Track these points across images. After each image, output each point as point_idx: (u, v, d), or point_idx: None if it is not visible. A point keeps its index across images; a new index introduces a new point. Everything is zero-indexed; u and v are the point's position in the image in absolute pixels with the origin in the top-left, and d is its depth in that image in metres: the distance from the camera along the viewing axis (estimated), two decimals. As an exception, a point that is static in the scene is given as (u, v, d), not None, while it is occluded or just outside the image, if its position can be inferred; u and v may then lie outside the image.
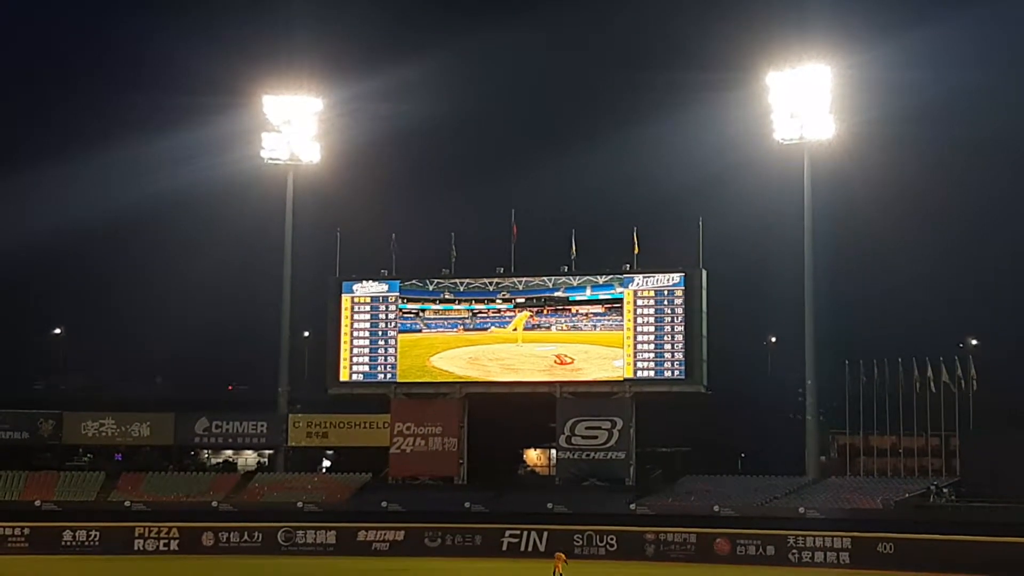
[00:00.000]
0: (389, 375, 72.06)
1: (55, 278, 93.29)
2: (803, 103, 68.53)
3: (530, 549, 63.45)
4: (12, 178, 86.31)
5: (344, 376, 72.26)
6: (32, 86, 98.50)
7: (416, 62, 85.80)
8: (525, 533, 64.45)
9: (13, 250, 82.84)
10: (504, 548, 64.54)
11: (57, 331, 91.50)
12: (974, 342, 78.58)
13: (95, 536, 66.26)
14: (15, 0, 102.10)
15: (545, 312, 70.95)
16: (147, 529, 66.36)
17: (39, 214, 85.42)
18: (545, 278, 71.08)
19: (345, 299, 72.58)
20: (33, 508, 68.39)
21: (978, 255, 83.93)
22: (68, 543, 65.99)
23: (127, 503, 69.51)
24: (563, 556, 47.81)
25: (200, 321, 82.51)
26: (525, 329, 71.03)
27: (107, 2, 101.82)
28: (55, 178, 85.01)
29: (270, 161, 75.40)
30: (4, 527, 65.83)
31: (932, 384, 64.71)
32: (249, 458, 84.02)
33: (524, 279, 71.33)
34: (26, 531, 66.14)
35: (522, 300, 71.20)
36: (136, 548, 65.92)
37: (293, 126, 75.13)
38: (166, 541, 66.23)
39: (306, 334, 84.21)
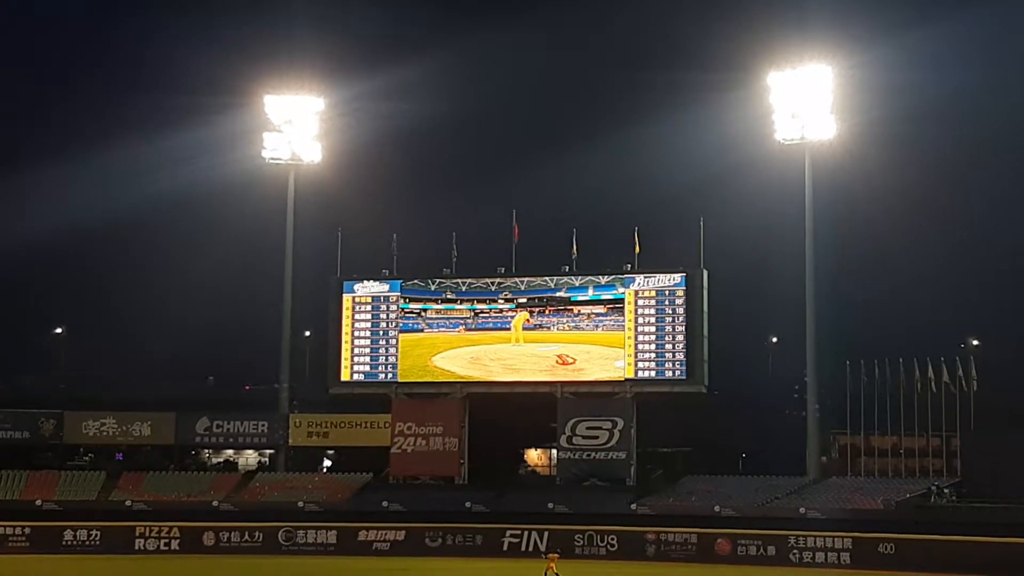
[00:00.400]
0: (390, 375, 72.01)
1: (56, 278, 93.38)
2: (804, 103, 68.48)
3: (531, 549, 63.37)
4: (13, 178, 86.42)
5: (345, 376, 72.23)
6: (32, 86, 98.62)
7: (417, 62, 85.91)
8: (526, 533, 64.42)
9: (14, 250, 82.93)
10: (505, 548, 64.51)
11: (58, 331, 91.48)
12: (975, 342, 78.62)
13: (96, 536, 66.21)
14: (15, 0, 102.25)
15: (547, 312, 70.90)
16: (148, 529, 66.31)
17: (40, 214, 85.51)
18: (547, 278, 71.04)
19: (346, 299, 72.53)
20: (34, 507, 68.34)
21: (980, 255, 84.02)
22: (69, 543, 65.95)
23: (128, 503, 69.47)
24: (556, 556, 47.81)
25: (201, 321, 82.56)
26: (525, 329, 70.96)
27: (107, 2, 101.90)
28: (56, 178, 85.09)
29: (271, 161, 75.36)
30: (5, 526, 65.80)
31: (933, 384, 64.70)
32: (250, 458, 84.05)
33: (526, 279, 71.28)
34: (27, 530, 66.09)
35: (524, 300, 71.16)
36: (137, 548, 65.87)
37: (294, 126, 75.10)
38: (167, 541, 66.19)
39: (307, 334, 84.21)
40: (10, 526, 65.91)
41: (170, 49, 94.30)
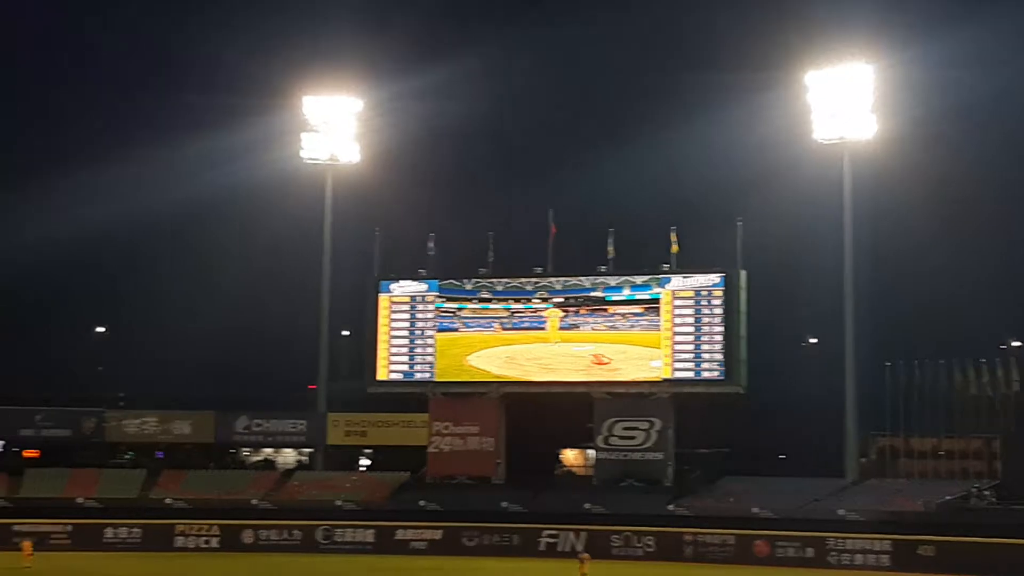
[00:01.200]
0: (427, 374, 72.13)
1: (98, 277, 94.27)
2: (844, 102, 67.79)
3: (567, 549, 63.36)
4: (58, 180, 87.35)
5: (382, 375, 72.44)
6: (76, 89, 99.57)
7: (454, 61, 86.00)
8: (562, 533, 64.48)
9: (56, 250, 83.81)
10: (541, 548, 64.60)
11: (100, 329, 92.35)
12: (1016, 343, 77.61)
13: (136, 533, 66.96)
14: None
15: (582, 312, 70.72)
16: (188, 526, 67.01)
17: (81, 214, 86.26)
18: (583, 277, 70.86)
19: (383, 298, 72.75)
20: (75, 505, 69.06)
21: (1021, 256, 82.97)
22: (110, 540, 66.73)
23: (168, 500, 70.07)
24: (587, 556, 47.88)
25: (240, 321, 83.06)
26: (561, 328, 70.85)
27: (147, 4, 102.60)
28: (100, 178, 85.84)
29: (309, 161, 75.78)
30: (47, 524, 66.52)
31: (973, 386, 64.06)
32: (288, 456, 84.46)
33: (562, 279, 71.13)
34: (68, 528, 66.93)
35: (560, 300, 71.00)
36: (177, 545, 66.60)
37: (332, 126, 75.44)
38: (206, 538, 66.81)
39: (345, 333, 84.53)
40: (52, 523, 66.65)
41: (208, 51, 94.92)
